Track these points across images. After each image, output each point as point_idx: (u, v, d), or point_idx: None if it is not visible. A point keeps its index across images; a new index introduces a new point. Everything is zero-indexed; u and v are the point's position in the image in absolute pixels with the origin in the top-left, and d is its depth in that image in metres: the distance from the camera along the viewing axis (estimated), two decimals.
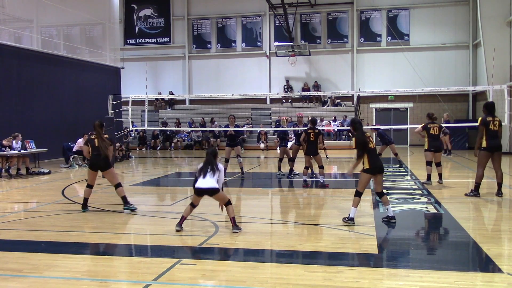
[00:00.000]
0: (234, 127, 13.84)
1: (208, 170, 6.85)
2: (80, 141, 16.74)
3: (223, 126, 18.79)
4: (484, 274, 5.14)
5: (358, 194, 7.32)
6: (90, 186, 8.69)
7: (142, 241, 6.89)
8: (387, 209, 7.46)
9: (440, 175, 11.64)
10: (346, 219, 7.30)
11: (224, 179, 13.03)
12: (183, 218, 6.97)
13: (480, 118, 9.54)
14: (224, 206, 7.02)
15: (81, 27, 23.43)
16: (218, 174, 6.90)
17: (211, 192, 6.84)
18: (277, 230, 7.48)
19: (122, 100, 17.99)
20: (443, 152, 20.20)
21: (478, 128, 9.49)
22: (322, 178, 11.47)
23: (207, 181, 6.78)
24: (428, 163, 11.61)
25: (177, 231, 6.85)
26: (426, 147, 11.71)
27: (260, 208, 9.38)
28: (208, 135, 26.70)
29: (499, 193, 9.59)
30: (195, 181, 6.94)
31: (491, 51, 18.89)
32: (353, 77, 27.50)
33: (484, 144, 9.48)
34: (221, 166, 7.03)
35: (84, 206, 8.65)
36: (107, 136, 8.86)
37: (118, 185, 8.64)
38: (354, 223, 7.18)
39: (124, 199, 8.63)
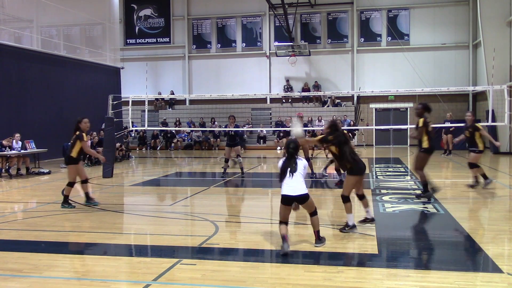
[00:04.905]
0: (234, 127, 13.84)
1: (295, 169, 5.90)
2: None
3: (223, 126, 18.80)
4: (484, 274, 5.14)
5: (348, 199, 6.80)
6: (70, 184, 8.92)
7: (142, 241, 6.88)
8: (367, 211, 7.20)
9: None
10: (347, 228, 6.74)
11: (225, 179, 13.12)
12: (284, 238, 5.84)
13: (423, 119, 9.07)
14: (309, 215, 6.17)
15: (81, 27, 23.43)
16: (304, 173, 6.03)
17: (301, 199, 5.95)
18: (277, 230, 7.45)
19: (122, 100, 17.97)
20: (443, 153, 20.32)
21: (419, 130, 9.07)
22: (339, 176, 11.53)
23: (296, 186, 5.86)
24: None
25: (285, 254, 5.66)
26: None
27: (260, 208, 9.38)
28: (208, 135, 26.72)
29: (420, 196, 9.38)
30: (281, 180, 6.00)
31: (491, 51, 18.88)
32: (353, 77, 27.50)
33: (426, 145, 9.08)
34: (305, 163, 6.15)
35: (65, 202, 8.92)
36: (79, 134, 8.97)
37: (81, 182, 8.99)
38: (357, 230, 6.77)
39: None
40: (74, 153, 8.83)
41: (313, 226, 6.13)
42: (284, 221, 5.95)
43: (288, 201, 5.91)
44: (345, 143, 6.89)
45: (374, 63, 27.20)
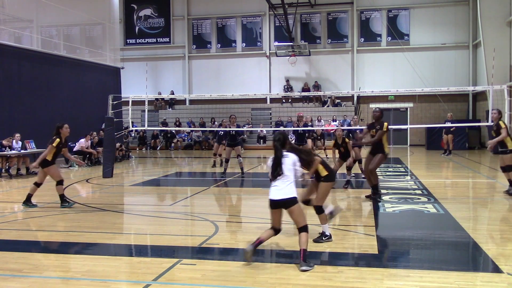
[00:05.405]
0: (235, 127, 13.86)
1: (282, 170, 5.21)
2: (82, 141, 16.81)
3: (223, 126, 18.77)
4: (484, 274, 5.14)
5: (322, 210, 6.31)
6: (59, 183, 9.06)
7: (142, 241, 6.88)
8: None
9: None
10: (324, 238, 6.24)
11: (225, 179, 13.11)
12: (257, 240, 5.45)
13: (387, 124, 9.01)
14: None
15: (81, 27, 23.42)
16: (294, 172, 5.32)
17: (285, 203, 5.28)
18: None
19: (122, 100, 17.97)
20: (443, 152, 20.33)
21: (382, 133, 8.90)
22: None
23: (283, 188, 5.26)
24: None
25: (248, 254, 5.36)
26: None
27: (260, 208, 9.35)
28: (208, 135, 26.72)
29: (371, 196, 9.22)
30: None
31: (491, 51, 18.89)
32: (353, 77, 27.50)
33: (388, 150, 9.06)
34: (294, 158, 5.40)
35: (63, 202, 9.00)
36: (54, 138, 9.13)
37: (35, 183, 9.11)
38: (331, 240, 6.31)
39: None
40: (49, 157, 9.03)
41: (299, 243, 5.23)
42: (275, 227, 5.43)
43: (275, 205, 5.34)
44: (303, 153, 6.21)
45: (374, 63, 27.20)
